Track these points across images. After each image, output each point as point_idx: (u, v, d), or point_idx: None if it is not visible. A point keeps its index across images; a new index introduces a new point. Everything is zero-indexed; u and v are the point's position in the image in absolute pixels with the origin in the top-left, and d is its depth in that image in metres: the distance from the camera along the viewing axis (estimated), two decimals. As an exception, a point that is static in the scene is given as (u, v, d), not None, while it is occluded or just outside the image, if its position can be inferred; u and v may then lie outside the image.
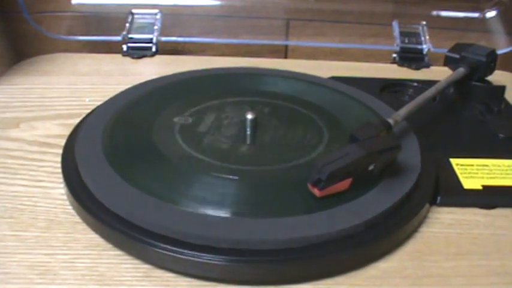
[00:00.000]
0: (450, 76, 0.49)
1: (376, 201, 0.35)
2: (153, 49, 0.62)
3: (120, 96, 0.47)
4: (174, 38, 0.64)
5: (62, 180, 0.39)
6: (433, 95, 0.46)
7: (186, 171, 0.38)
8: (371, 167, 0.36)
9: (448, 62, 0.52)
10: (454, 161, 0.42)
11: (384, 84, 0.54)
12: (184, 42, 0.65)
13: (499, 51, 0.55)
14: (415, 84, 0.55)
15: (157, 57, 0.61)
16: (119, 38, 0.62)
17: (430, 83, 0.49)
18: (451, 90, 0.52)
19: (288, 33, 0.67)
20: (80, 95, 0.52)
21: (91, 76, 0.56)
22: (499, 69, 0.53)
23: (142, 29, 0.63)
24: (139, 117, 0.44)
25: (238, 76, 0.52)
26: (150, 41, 0.62)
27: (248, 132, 0.42)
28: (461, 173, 0.41)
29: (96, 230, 0.35)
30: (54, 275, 0.32)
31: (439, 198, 0.39)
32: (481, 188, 0.40)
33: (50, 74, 0.56)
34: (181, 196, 0.35)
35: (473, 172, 0.41)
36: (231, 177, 0.37)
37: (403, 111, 0.43)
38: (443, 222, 0.38)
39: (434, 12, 0.67)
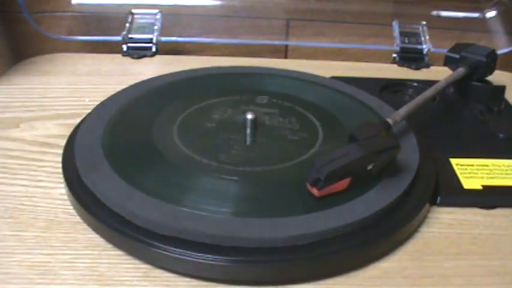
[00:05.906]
0: (450, 76, 0.49)
1: (375, 201, 0.35)
2: (153, 49, 0.62)
3: (119, 95, 0.47)
4: (174, 38, 0.64)
5: (62, 180, 0.39)
6: (433, 95, 0.46)
7: (186, 171, 0.38)
8: (370, 167, 0.36)
9: (448, 62, 0.52)
10: (454, 161, 0.42)
11: (384, 84, 0.54)
12: (184, 42, 0.65)
13: (499, 51, 0.55)
14: (415, 84, 0.55)
15: (157, 57, 0.61)
16: (118, 38, 0.62)
17: (430, 83, 0.49)
18: (451, 90, 0.52)
19: (288, 33, 0.67)
20: (80, 95, 0.52)
21: (91, 76, 0.56)
22: (499, 69, 0.53)
23: (142, 29, 0.63)
24: (139, 117, 0.44)
25: (237, 75, 0.52)
26: (150, 41, 0.62)
27: (248, 132, 0.42)
28: (461, 173, 0.41)
29: (96, 230, 0.35)
30: (54, 275, 0.32)
31: (439, 198, 0.39)
32: (481, 188, 0.40)
33: (50, 74, 0.56)
34: (181, 196, 0.35)
35: (473, 172, 0.41)
36: (230, 177, 0.37)
37: (403, 111, 0.43)
38: (443, 222, 0.38)
39: (434, 12, 0.67)
